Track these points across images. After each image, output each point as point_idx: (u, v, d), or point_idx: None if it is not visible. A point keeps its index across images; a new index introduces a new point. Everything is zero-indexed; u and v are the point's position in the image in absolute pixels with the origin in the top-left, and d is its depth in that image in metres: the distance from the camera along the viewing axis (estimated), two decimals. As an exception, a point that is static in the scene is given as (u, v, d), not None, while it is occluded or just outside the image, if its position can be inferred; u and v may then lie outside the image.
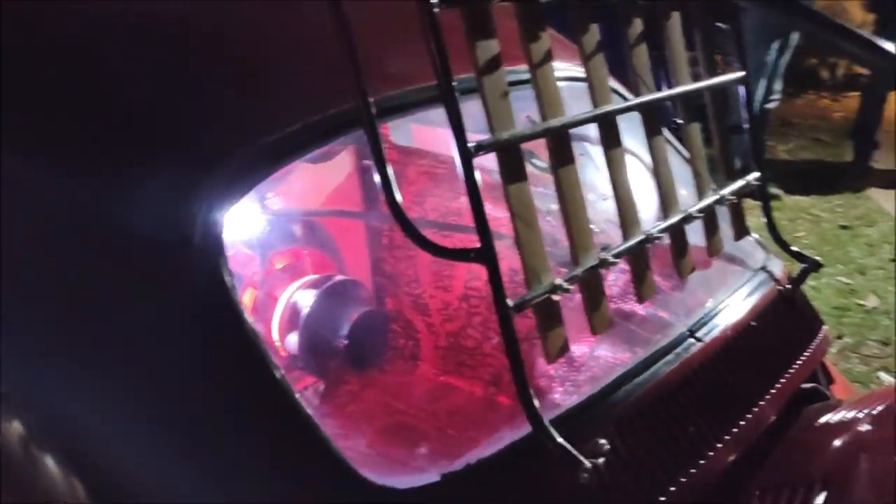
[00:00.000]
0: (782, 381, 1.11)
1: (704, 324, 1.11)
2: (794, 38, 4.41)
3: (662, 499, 0.90)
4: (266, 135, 0.89)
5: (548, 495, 0.86)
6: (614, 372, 0.99)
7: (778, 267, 1.33)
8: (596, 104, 1.03)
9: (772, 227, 1.34)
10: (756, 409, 1.05)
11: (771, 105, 4.60)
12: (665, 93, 1.14)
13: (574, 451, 0.83)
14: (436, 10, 0.78)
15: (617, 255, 0.99)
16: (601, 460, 0.84)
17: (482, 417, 1.44)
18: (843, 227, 4.29)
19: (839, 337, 3.26)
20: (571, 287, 0.90)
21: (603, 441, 0.89)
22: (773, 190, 4.70)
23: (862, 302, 3.52)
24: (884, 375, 3.01)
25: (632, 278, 1.05)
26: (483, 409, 1.52)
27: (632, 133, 1.14)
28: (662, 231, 1.07)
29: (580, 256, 0.96)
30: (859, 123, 5.17)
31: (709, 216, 1.19)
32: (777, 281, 1.28)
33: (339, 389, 1.88)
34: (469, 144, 0.81)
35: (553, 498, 0.86)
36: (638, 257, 1.05)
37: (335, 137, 0.95)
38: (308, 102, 0.94)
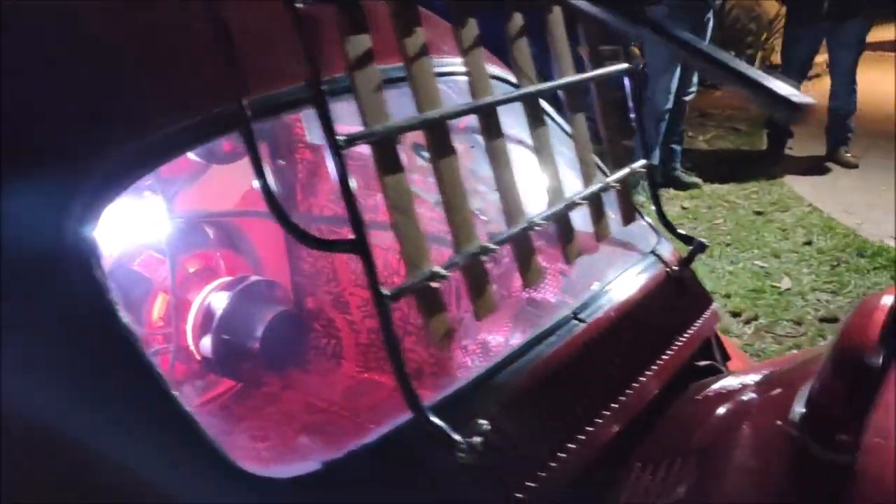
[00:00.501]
0: (665, 356, 1.16)
1: (588, 306, 1.14)
2: (709, 31, 4.55)
3: (543, 474, 0.93)
4: (139, 137, 0.90)
5: (428, 475, 0.88)
6: (498, 355, 1.02)
7: (667, 250, 1.38)
8: (475, 96, 1.06)
9: (660, 211, 1.39)
10: (637, 385, 1.09)
11: (688, 97, 4.73)
12: (548, 84, 1.18)
13: (450, 432, 0.86)
14: (299, 5, 0.80)
15: (499, 243, 1.02)
16: (478, 439, 0.87)
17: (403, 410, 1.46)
18: (758, 213, 4.43)
19: (755, 318, 3.38)
20: (449, 274, 0.92)
21: (483, 421, 0.92)
22: (693, 179, 4.84)
23: (776, 284, 3.65)
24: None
25: (517, 265, 1.08)
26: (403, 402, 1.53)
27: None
28: (546, 219, 1.10)
29: (461, 244, 0.99)
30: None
31: (595, 203, 1.23)
32: (665, 263, 1.33)
33: (258, 390, 1.88)
34: (339, 137, 0.83)
35: (434, 478, 0.88)
36: (522, 244, 1.08)
37: (212, 138, 0.96)
38: (185, 103, 0.95)
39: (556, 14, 1.21)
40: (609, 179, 1.24)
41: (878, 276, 3.62)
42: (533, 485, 0.92)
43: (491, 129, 1.07)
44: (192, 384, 1.84)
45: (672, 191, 4.80)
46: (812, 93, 5.68)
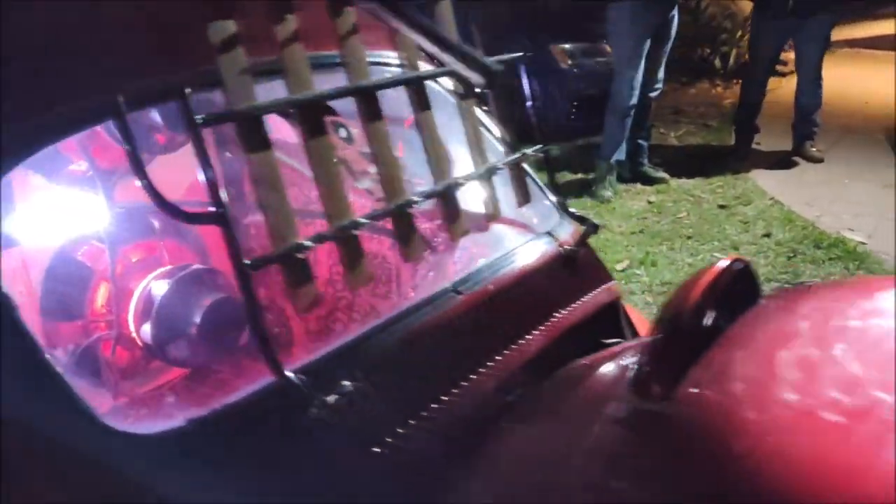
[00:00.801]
0: (543, 327, 1.22)
1: (469, 280, 1.21)
2: (674, 28, 4.61)
3: (400, 431, 1.00)
4: (20, 119, 0.95)
5: (288, 431, 0.95)
6: (372, 323, 1.08)
7: (566, 230, 1.44)
8: (352, 80, 1.12)
9: (556, 194, 1.44)
10: (509, 353, 1.16)
11: (654, 94, 4.79)
12: (428, 71, 1.24)
13: (306, 390, 0.92)
14: None
15: (372, 218, 1.08)
16: (332, 398, 0.93)
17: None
18: (722, 207, 4.50)
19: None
20: (312, 245, 0.99)
21: (346, 382, 0.98)
22: (660, 174, 4.91)
23: (733, 275, 3.71)
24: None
25: (397, 239, 1.14)
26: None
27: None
28: (427, 196, 1.16)
29: (334, 219, 1.05)
30: (740, 108, 5.43)
31: (484, 184, 1.29)
32: (559, 242, 1.39)
33: (207, 377, 1.93)
34: (197, 117, 0.90)
35: (292, 435, 0.95)
36: (401, 220, 1.14)
37: (94, 124, 1.01)
38: (67, 90, 1.00)
39: (444, 6, 1.27)
40: (496, 163, 1.30)
41: (833, 267, 3.69)
42: (391, 440, 0.98)
43: (370, 111, 1.13)
44: (136, 370, 1.90)
45: (639, 185, 4.87)
46: (782, 89, 5.77)
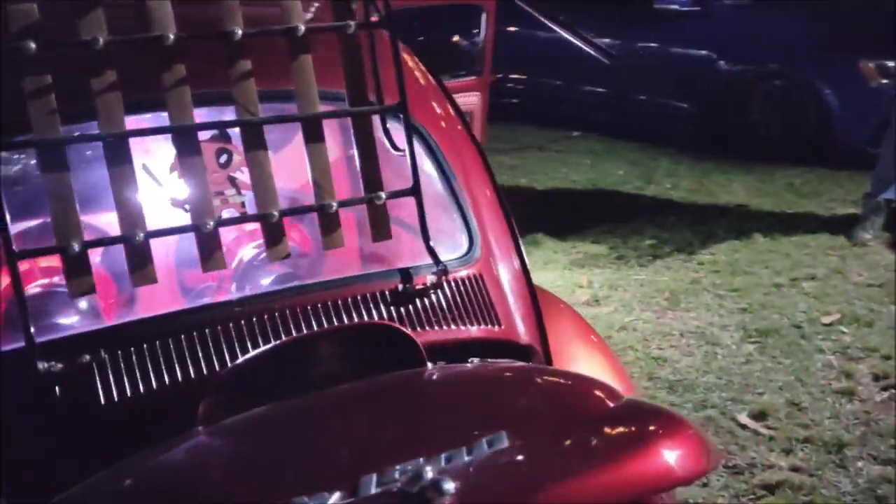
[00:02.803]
0: None
1: (256, 298, 1.40)
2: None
3: (116, 397, 1.26)
4: None
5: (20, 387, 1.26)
6: (137, 314, 1.36)
7: (429, 272, 1.51)
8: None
9: (423, 227, 1.51)
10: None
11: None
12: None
13: (33, 355, 1.22)
14: None
15: (152, 235, 1.35)
16: (47, 364, 1.23)
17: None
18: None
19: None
20: (77, 248, 1.28)
21: (86, 356, 1.28)
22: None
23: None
24: None
25: (198, 253, 1.39)
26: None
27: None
28: (217, 225, 1.38)
29: (125, 229, 1.33)
30: None
31: (325, 217, 1.45)
32: (407, 280, 1.49)
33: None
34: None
35: (22, 388, 1.26)
36: (207, 239, 1.38)
37: None
38: None
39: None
40: (332, 202, 1.44)
41: None
42: (92, 413, 1.26)
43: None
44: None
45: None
46: None
